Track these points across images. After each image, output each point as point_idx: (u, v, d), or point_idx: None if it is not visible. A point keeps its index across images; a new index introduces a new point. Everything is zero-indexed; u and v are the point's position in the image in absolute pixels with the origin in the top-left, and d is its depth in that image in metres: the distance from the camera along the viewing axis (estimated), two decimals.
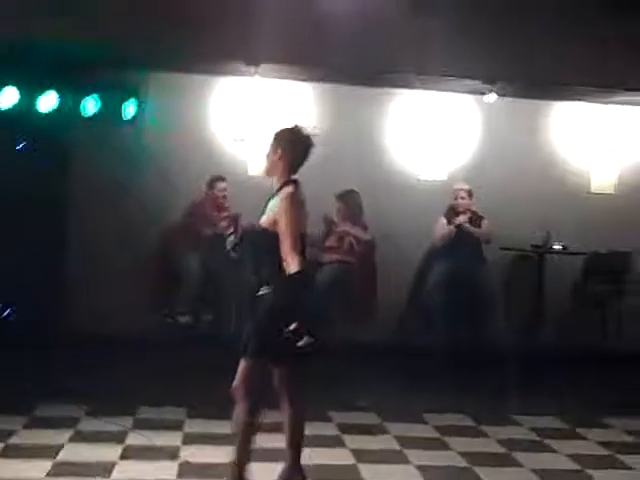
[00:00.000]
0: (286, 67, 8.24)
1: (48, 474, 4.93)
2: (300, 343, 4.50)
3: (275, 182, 4.73)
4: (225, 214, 8.41)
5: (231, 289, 8.08)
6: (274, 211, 4.64)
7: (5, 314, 8.04)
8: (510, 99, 9.01)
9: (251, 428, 4.72)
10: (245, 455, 4.72)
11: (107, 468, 5.05)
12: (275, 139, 4.74)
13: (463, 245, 8.40)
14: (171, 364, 7.34)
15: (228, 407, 4.71)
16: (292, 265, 4.53)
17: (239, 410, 4.70)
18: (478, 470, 5.37)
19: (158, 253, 8.46)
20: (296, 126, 4.79)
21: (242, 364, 4.71)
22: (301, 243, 4.64)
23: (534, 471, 5.42)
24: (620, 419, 6.74)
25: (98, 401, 6.30)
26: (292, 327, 4.47)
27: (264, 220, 4.70)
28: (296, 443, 4.78)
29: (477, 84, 8.46)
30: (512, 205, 8.82)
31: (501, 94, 8.67)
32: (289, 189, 4.68)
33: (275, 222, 4.61)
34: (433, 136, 9.29)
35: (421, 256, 8.75)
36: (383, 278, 8.60)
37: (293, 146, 4.71)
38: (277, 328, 4.53)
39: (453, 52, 7.72)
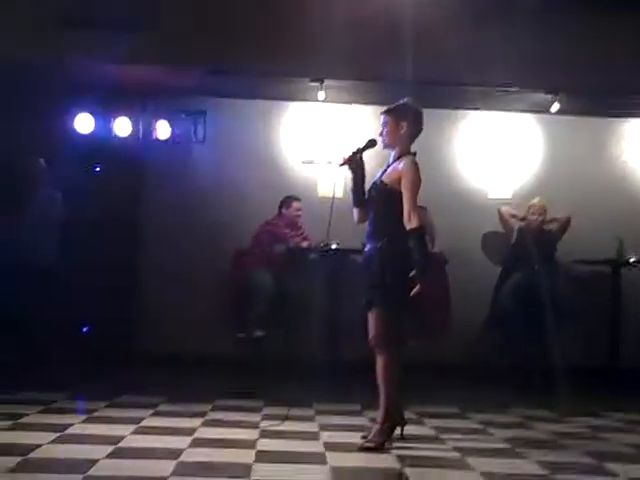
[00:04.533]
0: (349, 86, 8.40)
1: None
2: (413, 291, 4.99)
3: (396, 152, 5.30)
4: (299, 232, 8.57)
5: (304, 306, 8.19)
6: (399, 171, 5.18)
7: (84, 330, 8.22)
8: (576, 117, 9.06)
9: (397, 373, 5.15)
10: (397, 398, 5.21)
11: None
12: (398, 115, 5.30)
13: (536, 251, 8.35)
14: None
15: None
16: (414, 220, 5.07)
17: (382, 359, 5.14)
18: None
19: (231, 272, 8.56)
20: (415, 105, 5.37)
21: (373, 316, 5.17)
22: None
23: None
24: None
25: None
26: (413, 273, 4.98)
27: (387, 178, 5.25)
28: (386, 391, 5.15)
29: (540, 98, 8.49)
30: (583, 220, 8.70)
31: (565, 110, 8.70)
32: (412, 157, 5.25)
33: (399, 180, 5.15)
34: (500, 155, 9.30)
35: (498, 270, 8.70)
36: (455, 294, 8.58)
37: (416, 122, 5.33)
38: (402, 277, 5.01)
39: (516, 64, 7.71)
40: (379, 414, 5.24)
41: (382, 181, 5.25)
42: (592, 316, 8.71)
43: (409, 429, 5.50)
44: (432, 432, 5.85)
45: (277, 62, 7.74)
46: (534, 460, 5.07)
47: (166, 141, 8.60)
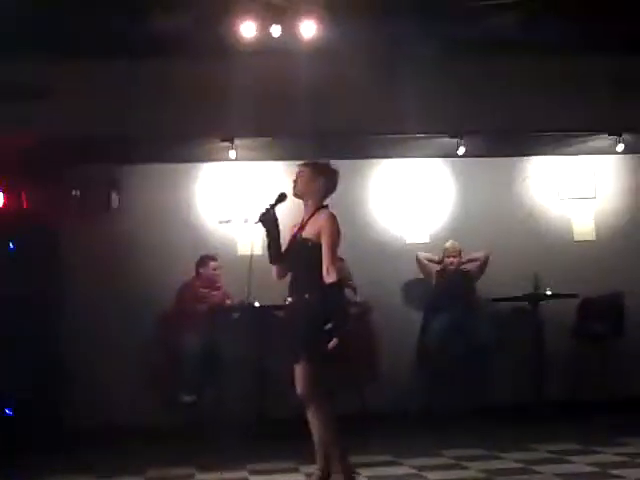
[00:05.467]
0: (259, 144, 8.52)
1: None
2: (331, 344, 5.04)
3: (310, 205, 5.42)
4: (217, 292, 8.57)
5: (231, 365, 8.15)
6: (318, 224, 5.30)
7: (5, 411, 8.00)
8: (481, 158, 9.31)
9: (333, 421, 5.16)
10: (341, 446, 5.18)
11: None
12: (316, 169, 5.46)
13: (456, 293, 8.52)
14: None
15: None
16: (332, 274, 5.17)
17: (315, 411, 5.15)
18: None
19: (156, 337, 8.47)
20: (332, 165, 5.54)
21: (300, 369, 5.17)
22: None
23: None
24: None
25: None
26: (329, 326, 5.05)
27: (306, 232, 5.34)
28: (331, 446, 5.15)
29: (448, 144, 8.72)
30: (499, 258, 8.90)
31: (472, 153, 8.94)
32: (329, 211, 5.39)
33: (319, 234, 5.25)
34: (414, 200, 9.47)
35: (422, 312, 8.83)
36: (381, 342, 8.64)
37: (331, 179, 5.48)
38: (322, 330, 5.06)
39: (419, 110, 7.85)
40: (334, 465, 5.19)
41: (302, 236, 5.34)
42: (515, 352, 8.85)
43: None
44: None
45: (187, 125, 7.82)
46: None
47: (81, 210, 8.55)
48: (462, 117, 8.15)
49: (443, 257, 8.85)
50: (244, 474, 6.30)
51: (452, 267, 8.76)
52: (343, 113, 7.90)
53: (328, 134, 8.10)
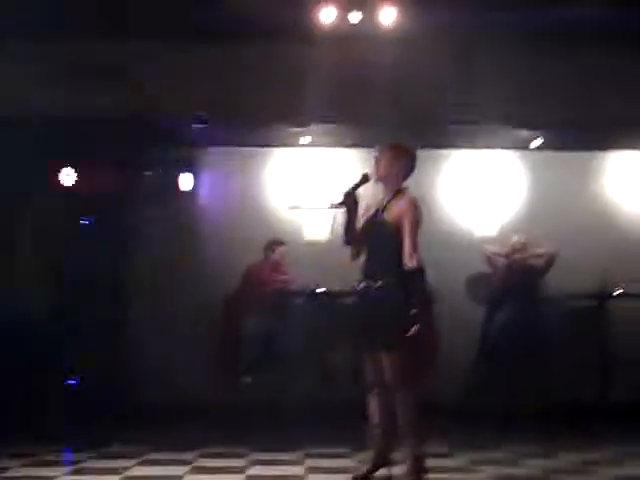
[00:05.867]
0: (331, 130, 8.48)
1: None
2: (411, 331, 4.92)
3: (390, 187, 5.28)
4: (284, 277, 8.61)
5: (291, 348, 8.21)
6: (401, 209, 5.16)
7: (74, 384, 8.21)
8: (557, 152, 9.15)
9: (418, 410, 5.09)
10: (423, 436, 5.15)
11: None
12: (396, 153, 5.32)
13: (521, 288, 8.40)
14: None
15: None
16: (415, 260, 5.05)
17: (403, 399, 5.05)
18: None
19: (221, 318, 8.58)
20: (411, 147, 5.40)
21: (387, 358, 5.06)
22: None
23: None
24: None
25: None
26: (414, 312, 4.92)
27: (388, 216, 5.21)
28: (412, 433, 5.09)
29: (522, 134, 8.59)
30: (568, 254, 8.70)
31: (546, 145, 8.79)
32: (412, 196, 5.25)
33: (400, 218, 5.12)
34: (484, 193, 9.38)
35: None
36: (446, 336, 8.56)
37: (411, 162, 5.34)
38: (405, 317, 4.94)
39: (497, 100, 7.84)
40: (409, 454, 5.14)
41: (384, 218, 5.22)
42: (582, 350, 8.71)
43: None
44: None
45: (261, 109, 7.84)
46: None
47: (153, 192, 8.68)
48: (539, 109, 8.01)
49: (510, 251, 8.72)
50: (299, 456, 6.35)
51: (518, 261, 8.62)
52: (419, 101, 7.86)
53: (403, 122, 8.03)
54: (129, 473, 5.71)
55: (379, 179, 5.33)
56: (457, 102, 7.85)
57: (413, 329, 4.93)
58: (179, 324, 8.60)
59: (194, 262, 8.72)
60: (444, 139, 8.95)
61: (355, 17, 7.23)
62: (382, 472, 5.26)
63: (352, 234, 5.30)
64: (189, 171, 8.84)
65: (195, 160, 8.96)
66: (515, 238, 8.78)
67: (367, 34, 7.29)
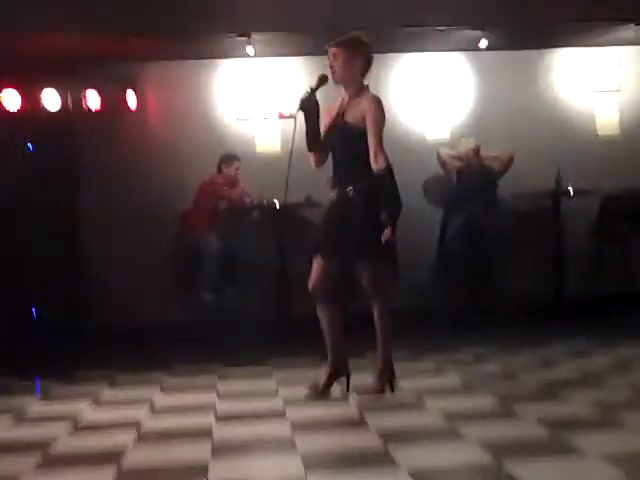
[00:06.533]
0: (277, 38, 8.28)
1: None
2: (386, 234, 4.79)
3: (350, 88, 5.03)
4: (238, 190, 8.51)
5: (253, 263, 8.18)
6: (362, 108, 4.92)
7: (34, 313, 8.13)
8: (503, 51, 9.07)
9: (335, 320, 5.06)
10: (340, 343, 5.11)
11: None
12: (352, 48, 5.03)
13: (477, 191, 8.42)
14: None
15: None
16: (381, 160, 4.85)
17: (325, 310, 5.03)
18: None
19: (176, 236, 8.52)
20: (362, 37, 5.11)
21: (317, 263, 5.00)
22: None
23: None
24: None
25: None
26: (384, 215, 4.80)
27: (350, 117, 4.97)
28: (387, 341, 5.08)
29: (469, 34, 8.47)
30: (521, 154, 8.75)
31: (494, 46, 8.72)
32: (373, 93, 5.01)
33: (363, 119, 4.90)
34: (434, 96, 9.31)
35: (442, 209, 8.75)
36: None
37: (369, 56, 5.08)
38: (373, 223, 4.82)
39: (442, 4, 7.72)
40: (378, 364, 5.11)
41: (345, 121, 4.99)
42: (536, 250, 8.81)
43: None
44: None
45: (204, 20, 7.62)
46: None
47: (97, 111, 8.46)
48: (485, 8, 7.92)
49: (464, 154, 8.69)
50: (268, 369, 6.40)
51: (474, 164, 8.61)
52: (363, 5, 7.67)
53: (347, 27, 7.86)
54: (101, 397, 5.70)
55: (338, 80, 5.04)
56: (403, 5, 7.73)
57: (387, 232, 4.78)
58: (135, 244, 8.48)
59: (147, 179, 8.58)
60: (392, 43, 8.79)
61: None
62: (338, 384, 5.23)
63: (315, 139, 5.04)
64: (133, 88, 8.61)
65: (141, 75, 8.74)
66: (467, 140, 8.73)
67: None
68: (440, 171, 8.90)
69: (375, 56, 8.67)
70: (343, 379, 5.20)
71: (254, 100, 9.03)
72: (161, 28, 7.73)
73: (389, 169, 4.87)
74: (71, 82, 8.34)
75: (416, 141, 9.16)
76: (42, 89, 8.22)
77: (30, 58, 7.65)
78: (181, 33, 7.94)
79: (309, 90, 5.02)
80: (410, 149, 8.97)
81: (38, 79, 8.14)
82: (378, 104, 4.94)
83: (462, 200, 8.47)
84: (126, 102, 8.56)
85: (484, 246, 8.34)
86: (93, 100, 8.43)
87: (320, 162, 5.15)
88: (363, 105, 4.95)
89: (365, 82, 5.08)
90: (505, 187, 8.66)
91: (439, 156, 8.80)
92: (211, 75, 9.06)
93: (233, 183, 8.50)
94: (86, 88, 8.38)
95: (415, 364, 6.33)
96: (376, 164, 4.84)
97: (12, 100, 8.16)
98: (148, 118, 8.83)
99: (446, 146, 8.94)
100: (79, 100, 8.36)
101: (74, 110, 8.33)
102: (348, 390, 5.19)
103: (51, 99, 8.27)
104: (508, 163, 8.64)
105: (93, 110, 8.43)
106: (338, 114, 5.04)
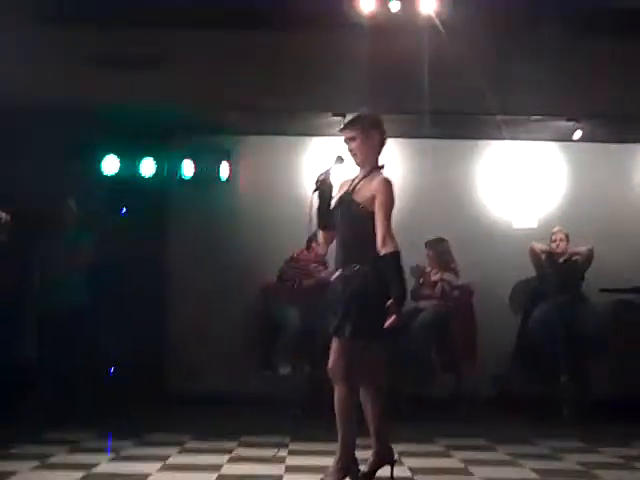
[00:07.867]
0: None
1: None
2: (389, 322, 4.57)
3: (365, 166, 4.88)
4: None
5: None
6: (372, 189, 4.75)
7: (110, 371, 8.26)
8: (598, 144, 9.05)
9: (353, 408, 4.76)
10: (352, 436, 4.78)
11: None
12: (367, 125, 4.91)
13: (563, 284, 8.30)
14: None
15: None
16: (390, 244, 4.64)
17: (339, 391, 4.74)
18: None
19: (259, 308, 8.57)
20: (375, 116, 5.00)
21: (337, 344, 4.77)
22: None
23: None
24: None
25: None
26: (389, 303, 4.55)
27: (358, 197, 4.81)
28: (379, 424, 4.81)
29: (562, 126, 8.49)
30: (608, 247, 8.60)
31: (587, 138, 8.70)
32: (384, 175, 4.85)
33: (372, 200, 4.72)
34: (523, 184, 9.29)
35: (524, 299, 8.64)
36: (484, 326, 8.50)
37: (384, 131, 4.94)
38: (376, 307, 4.60)
39: (537, 93, 7.75)
40: (337, 453, 4.83)
41: (354, 200, 4.82)
42: (623, 346, 8.60)
43: (438, 462, 5.42)
44: (461, 464, 5.79)
45: (300, 98, 7.85)
46: None
47: (191, 180, 8.71)
48: (580, 100, 7.93)
49: (550, 243, 8.55)
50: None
51: (559, 252, 8.50)
52: (459, 91, 7.75)
53: (442, 113, 7.97)
54: (170, 461, 5.72)
55: (358, 162, 4.93)
56: (498, 92, 7.79)
57: (390, 320, 4.57)
58: (217, 313, 8.63)
59: (235, 250, 8.73)
60: (484, 130, 8.88)
61: (395, 6, 7.22)
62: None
63: (324, 217, 4.93)
64: (230, 159, 8.85)
65: (236, 148, 8.97)
66: (556, 229, 8.58)
67: (407, 23, 7.24)
68: (526, 262, 8.80)
69: (468, 143, 9.05)
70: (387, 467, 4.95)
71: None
72: (257, 103, 7.95)
73: (397, 254, 4.68)
74: (169, 151, 8.67)
75: (503, 229, 9.13)
76: (141, 157, 8.55)
77: (131, 127, 7.95)
78: (279, 110, 8.15)
79: (325, 171, 4.94)
80: (496, 237, 8.99)
81: (136, 147, 8.45)
82: (388, 187, 4.78)
83: (547, 289, 8.34)
84: (218, 172, 8.78)
85: (568, 337, 8.16)
86: (188, 169, 8.69)
87: (328, 241, 5.04)
88: (374, 185, 4.79)
89: (380, 162, 4.94)
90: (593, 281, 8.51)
91: (532, 250, 8.58)
92: (305, 151, 9.23)
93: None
94: (184, 158, 8.66)
95: (487, 453, 6.21)
96: (384, 247, 4.66)
97: (111, 166, 8.49)
98: (241, 190, 9.03)
99: (533, 235, 8.85)
100: (174, 168, 8.64)
101: (168, 177, 8.61)
102: (392, 478, 4.98)
103: (148, 167, 8.57)
104: (589, 258, 8.43)
105: (185, 179, 8.69)
106: (347, 191, 4.92)
